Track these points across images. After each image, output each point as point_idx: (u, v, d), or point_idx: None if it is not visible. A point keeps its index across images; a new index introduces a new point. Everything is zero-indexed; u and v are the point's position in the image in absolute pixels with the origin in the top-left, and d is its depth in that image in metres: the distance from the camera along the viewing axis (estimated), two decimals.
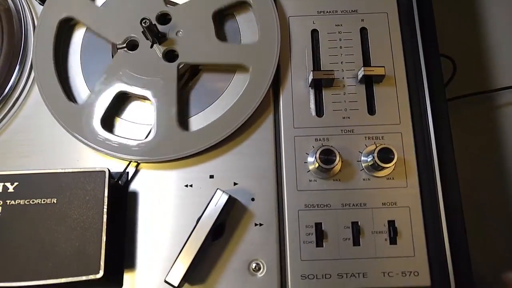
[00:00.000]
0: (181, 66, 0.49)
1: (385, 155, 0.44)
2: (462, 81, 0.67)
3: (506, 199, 0.66)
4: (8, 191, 0.43)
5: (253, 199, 0.47)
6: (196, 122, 0.49)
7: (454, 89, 0.67)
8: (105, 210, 0.42)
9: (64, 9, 0.52)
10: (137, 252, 0.46)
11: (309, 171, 0.47)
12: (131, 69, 0.49)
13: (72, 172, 0.43)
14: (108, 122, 0.49)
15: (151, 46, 0.50)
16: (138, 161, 0.47)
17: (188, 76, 0.51)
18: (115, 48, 0.51)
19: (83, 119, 0.48)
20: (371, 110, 0.49)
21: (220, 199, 0.42)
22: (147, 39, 0.50)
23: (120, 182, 0.47)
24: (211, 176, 0.47)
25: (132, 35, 0.50)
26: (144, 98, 0.49)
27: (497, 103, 0.68)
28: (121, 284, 0.45)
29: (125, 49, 0.50)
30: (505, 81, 0.68)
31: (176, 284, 0.41)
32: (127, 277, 0.45)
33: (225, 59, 0.50)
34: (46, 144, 0.49)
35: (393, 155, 0.44)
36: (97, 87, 0.49)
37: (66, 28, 0.53)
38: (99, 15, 0.52)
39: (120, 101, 0.50)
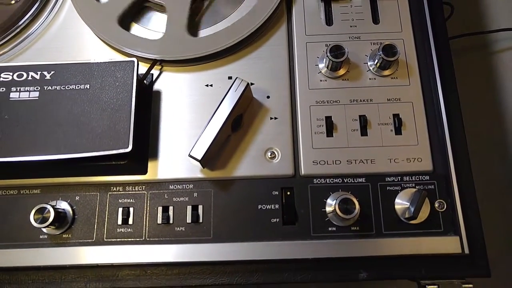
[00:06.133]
0: None
1: (389, 50, 0.48)
2: (458, 25, 0.71)
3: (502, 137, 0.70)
4: (45, 78, 0.47)
5: (268, 97, 0.51)
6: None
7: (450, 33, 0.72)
8: (133, 94, 0.46)
9: None
10: (160, 144, 0.49)
11: (320, 72, 0.51)
12: None
13: (103, 62, 0.47)
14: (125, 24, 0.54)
15: None
16: (162, 59, 0.51)
17: None
18: None
19: (103, 16, 0.52)
20: (376, 20, 0.53)
21: (240, 85, 0.46)
22: None
23: (145, 82, 0.51)
24: (230, 77, 0.51)
25: None
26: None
27: (492, 45, 0.72)
28: (146, 171, 0.48)
29: None
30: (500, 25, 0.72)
31: (199, 158, 0.44)
32: (151, 165, 0.49)
33: None
34: (77, 50, 0.53)
35: (396, 49, 0.48)
36: None
37: None
38: None
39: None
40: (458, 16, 0.67)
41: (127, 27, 0.54)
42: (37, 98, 0.46)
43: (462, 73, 0.67)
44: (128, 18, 0.54)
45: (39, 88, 0.46)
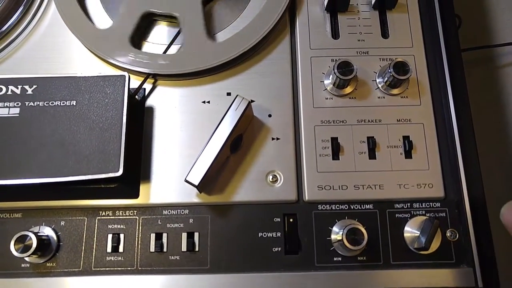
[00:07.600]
0: None
1: (400, 68, 0.45)
2: (464, 38, 0.68)
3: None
4: (27, 93, 0.43)
5: (270, 116, 0.47)
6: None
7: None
8: (124, 112, 0.42)
9: None
10: (152, 166, 0.46)
11: (326, 89, 0.48)
12: None
13: (91, 76, 0.43)
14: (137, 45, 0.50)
15: None
16: (156, 73, 0.47)
17: None
18: None
19: (109, 40, 0.48)
20: (385, 34, 0.50)
21: (240, 104, 0.43)
22: None
23: (137, 97, 0.47)
24: (228, 94, 0.48)
25: None
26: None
27: (498, 59, 0.70)
28: (137, 195, 0.45)
29: None
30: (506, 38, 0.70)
31: (196, 183, 0.41)
32: (143, 189, 0.45)
33: None
34: (62, 62, 0.49)
35: (408, 67, 0.45)
36: (123, 9, 0.50)
37: None
38: None
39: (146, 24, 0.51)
40: (464, 29, 0.65)
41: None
42: (17, 115, 0.42)
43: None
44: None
45: (19, 104, 0.42)
